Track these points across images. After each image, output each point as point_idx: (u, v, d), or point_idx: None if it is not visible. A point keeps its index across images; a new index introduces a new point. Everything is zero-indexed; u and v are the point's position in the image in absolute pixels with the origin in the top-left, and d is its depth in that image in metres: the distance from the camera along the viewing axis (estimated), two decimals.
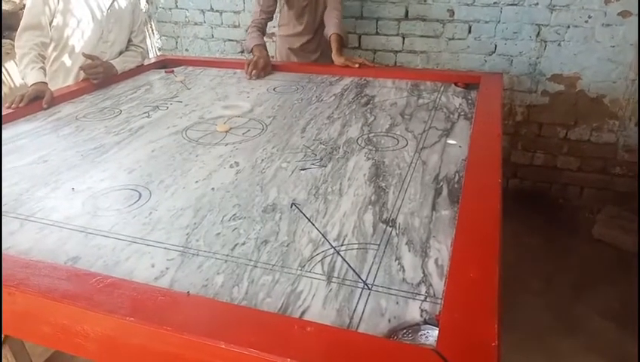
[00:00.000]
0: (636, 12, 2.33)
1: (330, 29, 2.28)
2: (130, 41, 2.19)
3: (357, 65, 2.14)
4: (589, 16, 2.41)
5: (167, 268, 0.86)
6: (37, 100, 1.71)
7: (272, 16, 2.45)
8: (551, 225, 2.61)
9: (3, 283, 0.76)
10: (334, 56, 2.24)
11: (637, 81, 2.43)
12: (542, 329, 1.93)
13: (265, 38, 2.36)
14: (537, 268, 2.29)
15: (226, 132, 1.36)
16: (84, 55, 1.96)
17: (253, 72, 2.12)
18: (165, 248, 0.92)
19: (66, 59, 1.99)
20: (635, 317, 1.95)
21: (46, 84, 1.78)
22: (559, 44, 2.51)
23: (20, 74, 1.85)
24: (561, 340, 1.88)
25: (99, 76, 1.95)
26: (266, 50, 2.31)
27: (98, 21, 2.00)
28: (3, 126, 1.54)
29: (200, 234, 0.96)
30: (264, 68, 2.16)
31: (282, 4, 2.43)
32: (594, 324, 1.96)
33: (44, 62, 1.88)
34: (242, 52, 3.17)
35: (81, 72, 1.97)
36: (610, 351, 1.82)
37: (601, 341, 1.87)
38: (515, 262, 2.16)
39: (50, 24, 1.90)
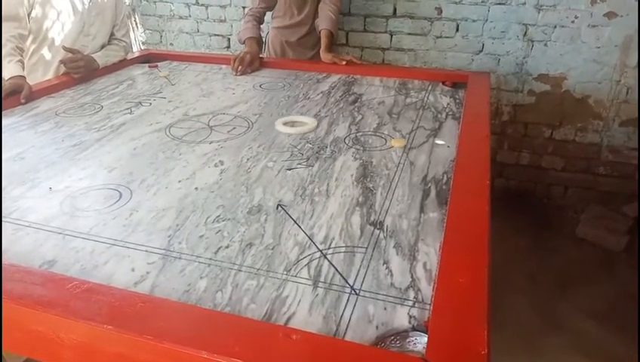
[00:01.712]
0: (621, 13, 2.34)
1: (322, 24, 2.24)
2: (112, 34, 2.13)
3: (344, 63, 2.12)
4: (576, 17, 2.42)
5: (147, 273, 0.83)
6: (14, 95, 1.65)
7: (273, 6, 2.39)
8: (536, 225, 2.63)
9: None
10: (322, 53, 2.21)
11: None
12: (526, 328, 1.94)
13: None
14: (522, 267, 2.30)
15: (402, 146, 1.33)
16: (65, 48, 1.90)
17: (239, 67, 2.08)
18: (146, 251, 0.89)
19: (46, 53, 1.93)
20: (618, 316, 1.98)
21: (24, 77, 1.72)
22: (546, 44, 2.52)
23: None
24: (546, 339, 1.90)
25: (80, 70, 1.90)
26: (260, 43, 2.25)
27: (79, 13, 1.94)
28: None
29: (182, 236, 0.93)
30: (250, 64, 2.12)
31: None
32: (578, 323, 1.97)
33: (22, 55, 1.82)
34: (228, 47, 3.12)
35: (62, 65, 1.91)
36: (594, 349, 1.83)
37: (585, 339, 1.88)
38: (500, 262, 2.16)
39: (28, 16, 1.84)
